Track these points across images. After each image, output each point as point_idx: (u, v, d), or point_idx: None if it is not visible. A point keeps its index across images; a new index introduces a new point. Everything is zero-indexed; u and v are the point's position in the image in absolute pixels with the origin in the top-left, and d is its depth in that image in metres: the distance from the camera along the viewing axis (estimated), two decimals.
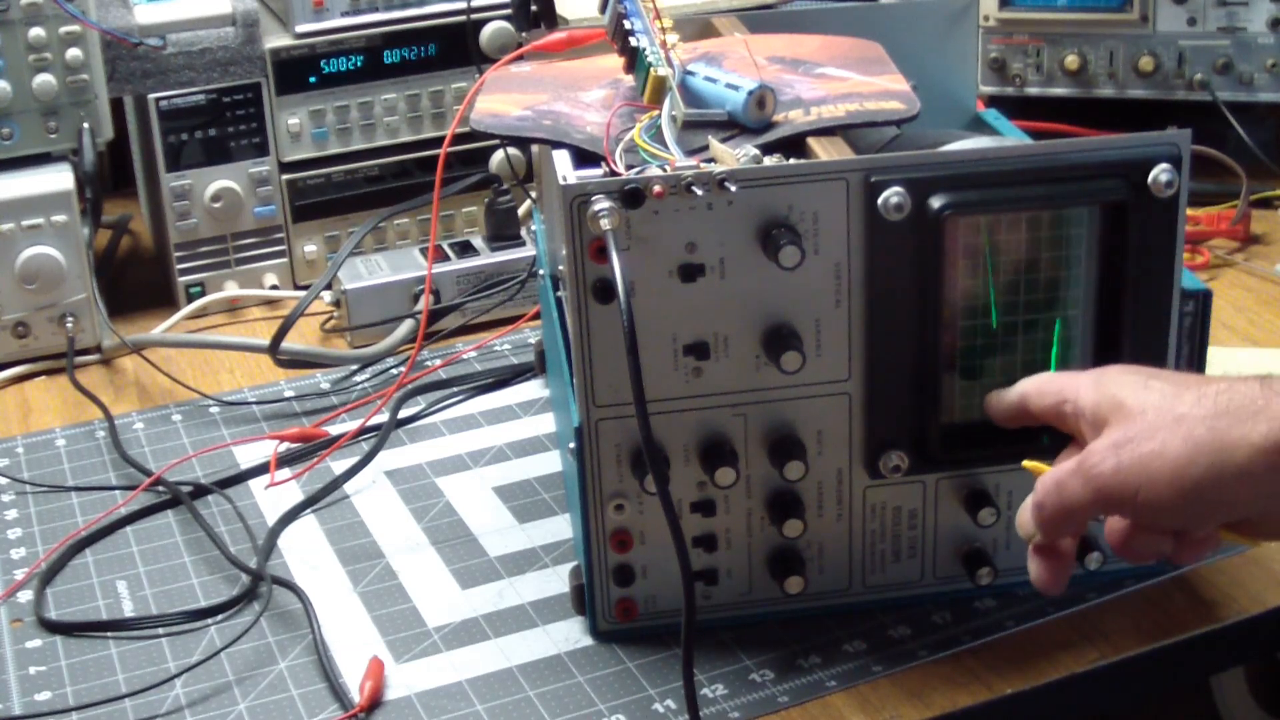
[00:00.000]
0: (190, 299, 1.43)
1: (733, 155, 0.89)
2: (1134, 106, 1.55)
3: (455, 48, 1.45)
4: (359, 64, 1.43)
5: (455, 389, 1.27)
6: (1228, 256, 1.39)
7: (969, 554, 0.94)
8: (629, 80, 1.02)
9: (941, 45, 1.17)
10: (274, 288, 1.45)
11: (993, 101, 1.47)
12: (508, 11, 1.40)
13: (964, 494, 0.93)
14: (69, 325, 1.31)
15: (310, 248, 1.46)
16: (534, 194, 1.29)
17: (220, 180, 1.41)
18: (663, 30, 1.01)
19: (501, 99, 1.04)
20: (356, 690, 0.90)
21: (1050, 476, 0.81)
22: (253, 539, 1.07)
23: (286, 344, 1.26)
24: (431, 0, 1.44)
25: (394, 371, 1.30)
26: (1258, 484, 0.75)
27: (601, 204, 0.84)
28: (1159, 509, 0.77)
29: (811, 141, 0.94)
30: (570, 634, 0.95)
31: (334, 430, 1.21)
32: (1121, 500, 0.78)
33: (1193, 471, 0.75)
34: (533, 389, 1.27)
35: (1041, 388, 0.85)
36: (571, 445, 0.91)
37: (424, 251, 1.40)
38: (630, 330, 0.81)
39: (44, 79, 1.31)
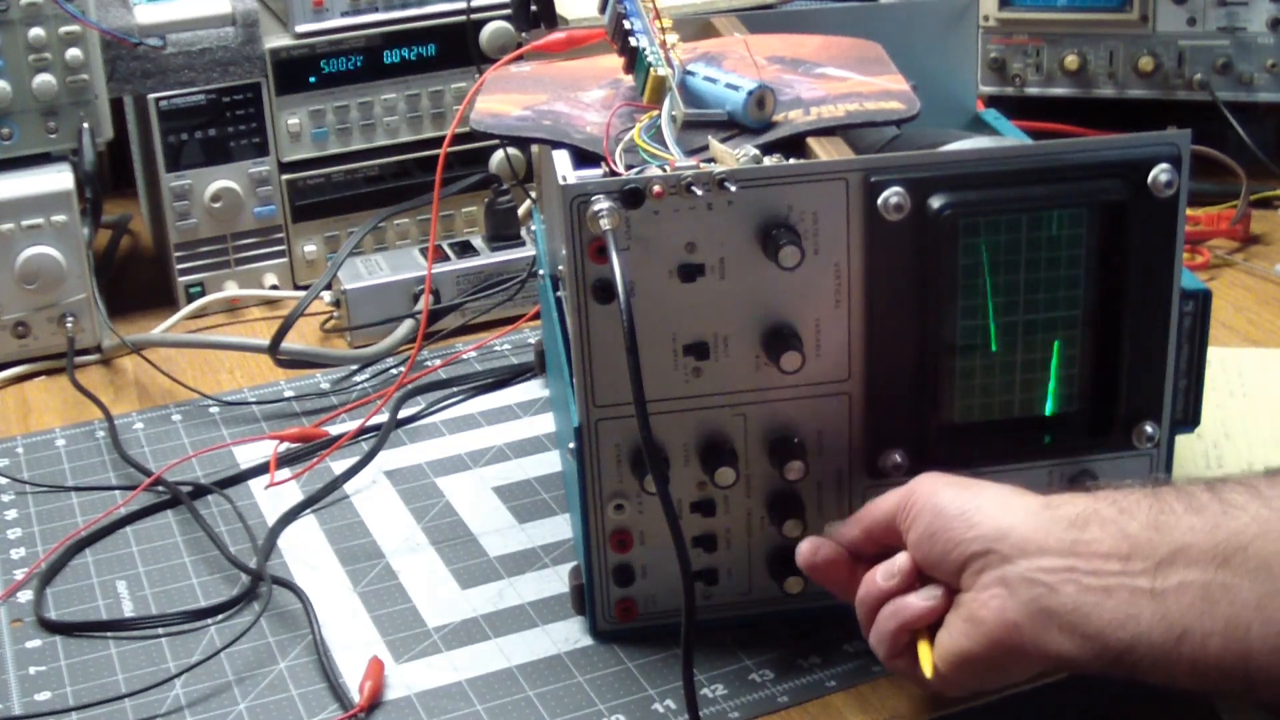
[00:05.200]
0: (190, 299, 1.43)
1: (733, 155, 0.89)
2: (1134, 106, 1.55)
3: (455, 48, 1.45)
4: (359, 64, 1.43)
5: (455, 389, 1.27)
6: (1228, 256, 1.39)
7: None
8: (629, 80, 1.02)
9: (941, 45, 1.17)
10: (274, 288, 1.45)
11: (993, 101, 1.48)
12: (508, 11, 1.40)
13: None
14: (69, 325, 1.31)
15: (310, 248, 1.46)
16: (534, 194, 1.29)
17: (220, 180, 1.41)
18: (662, 30, 1.01)
19: (501, 99, 1.04)
20: (356, 690, 0.90)
21: None
22: (253, 539, 1.07)
23: (286, 344, 1.26)
24: (431, 0, 1.44)
25: (394, 371, 1.30)
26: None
27: (601, 204, 0.84)
28: None
29: (811, 141, 0.94)
30: (570, 634, 0.95)
31: (334, 430, 1.21)
32: None
33: None
34: (533, 389, 1.27)
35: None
36: (571, 445, 0.91)
37: (424, 251, 1.40)
38: (630, 330, 0.81)
39: (44, 79, 1.31)
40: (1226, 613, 0.70)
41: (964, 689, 0.81)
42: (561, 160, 0.95)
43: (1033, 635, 0.75)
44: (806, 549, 0.86)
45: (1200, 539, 0.72)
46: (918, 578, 0.82)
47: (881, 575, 0.82)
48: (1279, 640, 0.69)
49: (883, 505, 0.84)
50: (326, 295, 1.35)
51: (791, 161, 0.89)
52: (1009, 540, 0.77)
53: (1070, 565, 0.75)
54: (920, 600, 0.80)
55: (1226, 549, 0.71)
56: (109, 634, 0.98)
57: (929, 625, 0.81)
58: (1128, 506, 0.75)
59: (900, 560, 0.82)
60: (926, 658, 0.80)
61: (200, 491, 1.13)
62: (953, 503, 0.80)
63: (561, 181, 0.87)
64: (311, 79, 1.42)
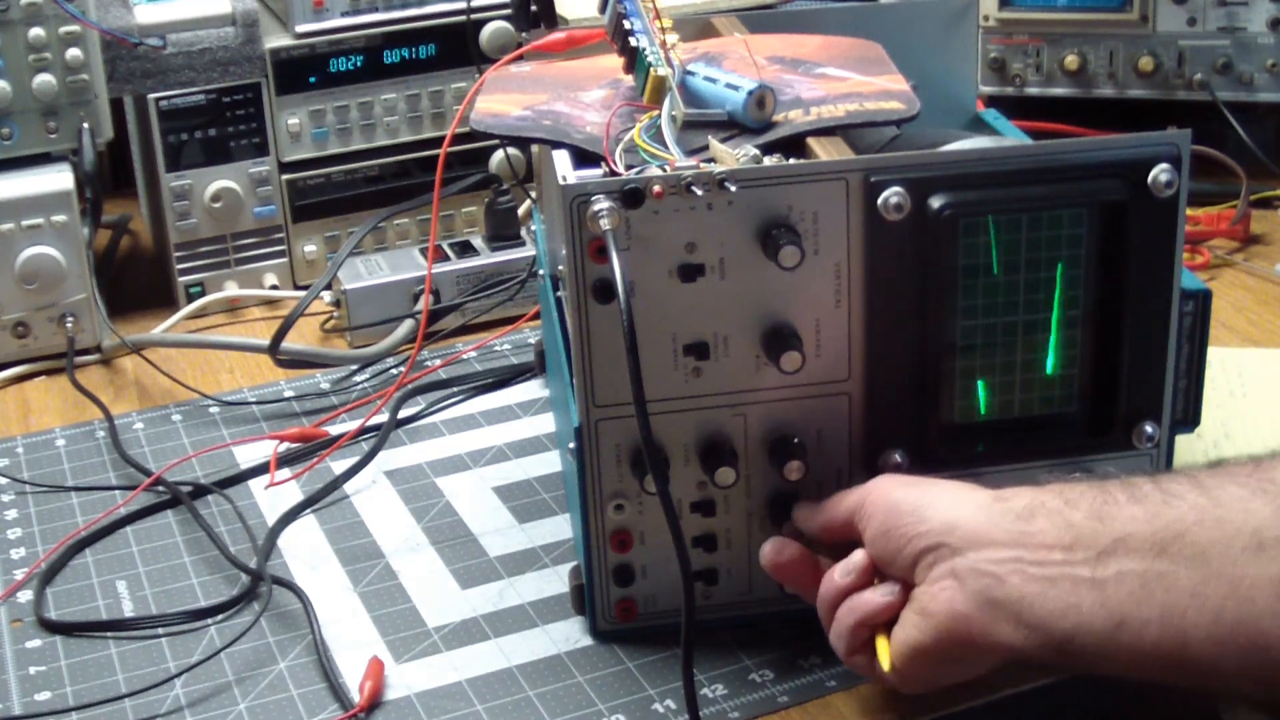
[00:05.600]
0: (190, 299, 1.43)
1: (733, 155, 0.89)
2: (1134, 106, 1.55)
3: (455, 48, 1.45)
4: (359, 64, 1.43)
5: (455, 389, 1.27)
6: (1228, 256, 1.39)
7: None
8: (629, 80, 1.02)
9: (941, 45, 1.17)
10: (274, 288, 1.45)
11: (993, 101, 1.47)
12: (508, 11, 1.40)
13: None
14: (69, 325, 1.31)
15: (310, 248, 1.46)
16: (534, 194, 1.29)
17: (220, 180, 1.41)
18: (662, 30, 1.01)
19: (501, 99, 1.04)
20: (356, 690, 0.90)
21: None
22: (253, 539, 1.07)
23: (286, 344, 1.26)
24: (431, 0, 1.44)
25: (394, 371, 1.30)
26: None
27: (601, 204, 0.84)
28: None
29: (811, 141, 0.94)
30: (570, 634, 0.95)
31: (334, 430, 1.21)
32: None
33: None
34: (533, 389, 1.27)
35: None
36: (571, 445, 0.91)
37: (424, 251, 1.40)
38: (630, 330, 0.81)
39: (44, 79, 1.31)
40: (1163, 600, 0.71)
41: (921, 684, 0.82)
42: (561, 160, 0.95)
43: (981, 626, 0.76)
44: (770, 549, 0.88)
45: (1140, 528, 0.73)
46: (874, 575, 0.83)
47: (839, 573, 0.83)
48: (1213, 627, 0.70)
49: (843, 505, 0.85)
50: (326, 295, 1.35)
51: (791, 161, 0.89)
52: (958, 533, 0.78)
53: (1017, 556, 0.76)
54: (878, 596, 0.82)
55: (1165, 537, 0.72)
56: (109, 634, 0.98)
57: (887, 621, 0.82)
58: (1073, 498, 0.76)
59: (856, 558, 0.83)
60: (884, 653, 0.81)
61: (200, 491, 1.13)
62: (905, 499, 0.81)
63: (561, 181, 0.87)
64: (311, 79, 1.42)
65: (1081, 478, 0.78)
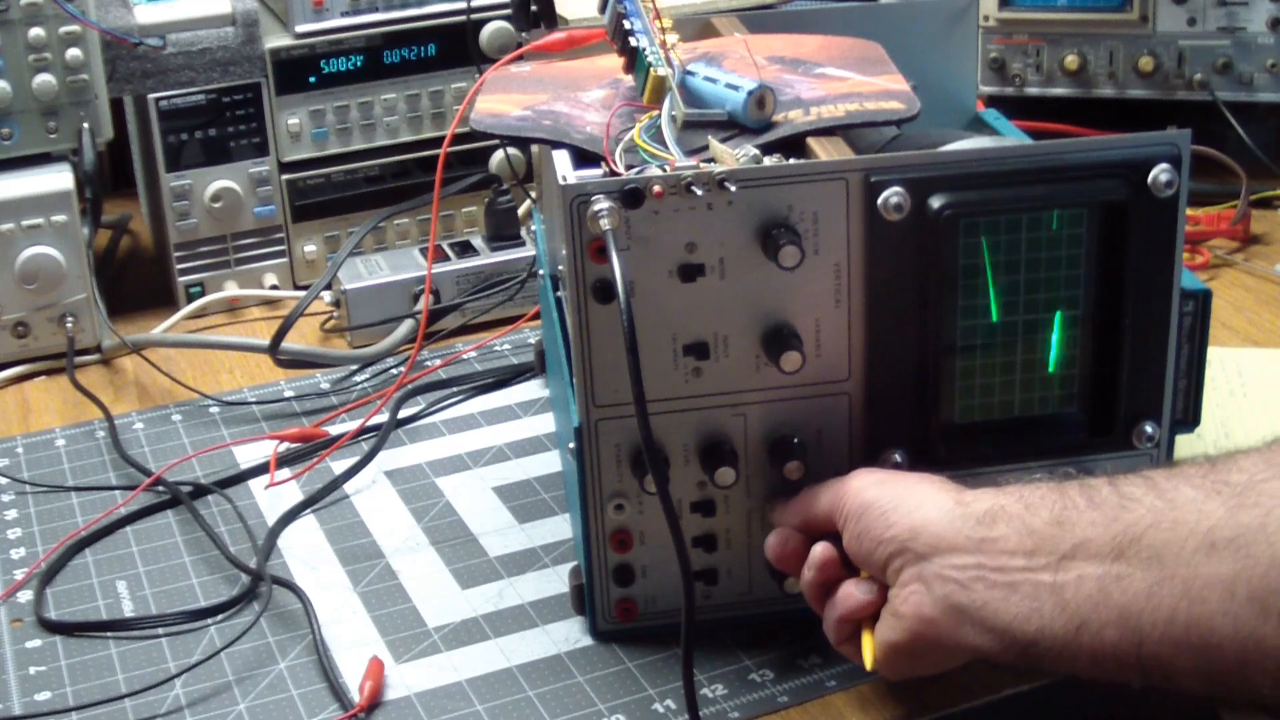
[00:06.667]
0: (190, 299, 1.43)
1: (733, 155, 0.89)
2: (1134, 106, 1.55)
3: (455, 48, 1.45)
4: (359, 64, 1.43)
5: (455, 389, 1.27)
6: (1228, 256, 1.39)
7: None
8: (629, 80, 1.02)
9: (941, 45, 1.17)
10: (274, 288, 1.45)
11: (993, 101, 1.47)
12: (508, 11, 1.40)
13: None
14: (69, 325, 1.31)
15: (310, 248, 1.46)
16: (534, 194, 1.29)
17: (220, 180, 1.41)
18: (663, 30, 1.01)
19: (501, 99, 1.04)
20: (356, 690, 0.91)
21: None
22: (253, 539, 1.07)
23: (286, 344, 1.26)
24: (431, 0, 1.44)
25: (394, 371, 1.30)
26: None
27: (601, 204, 0.84)
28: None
29: (811, 141, 0.94)
30: (570, 634, 0.95)
31: (334, 430, 1.21)
32: None
33: None
34: (533, 389, 1.27)
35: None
36: (571, 445, 0.91)
37: (424, 251, 1.40)
38: (630, 330, 0.81)
39: (44, 79, 1.31)
40: (1120, 602, 0.72)
41: (900, 675, 0.84)
42: (561, 160, 0.95)
43: (948, 630, 0.78)
44: (775, 541, 0.89)
45: (1099, 533, 0.74)
46: (841, 566, 0.85)
47: (805, 568, 0.86)
48: (1167, 627, 0.71)
49: (820, 502, 0.87)
50: (326, 295, 1.35)
51: (791, 161, 0.89)
52: (921, 539, 0.79)
53: (979, 563, 0.77)
54: (859, 594, 0.84)
55: (1122, 541, 0.73)
56: (109, 634, 0.98)
57: (871, 615, 0.83)
58: (1033, 503, 0.77)
59: (817, 553, 0.85)
60: (868, 647, 0.83)
61: (200, 491, 1.13)
62: (875, 502, 0.82)
63: (561, 181, 0.87)
64: (311, 79, 1.42)
65: (1041, 479, 0.80)
